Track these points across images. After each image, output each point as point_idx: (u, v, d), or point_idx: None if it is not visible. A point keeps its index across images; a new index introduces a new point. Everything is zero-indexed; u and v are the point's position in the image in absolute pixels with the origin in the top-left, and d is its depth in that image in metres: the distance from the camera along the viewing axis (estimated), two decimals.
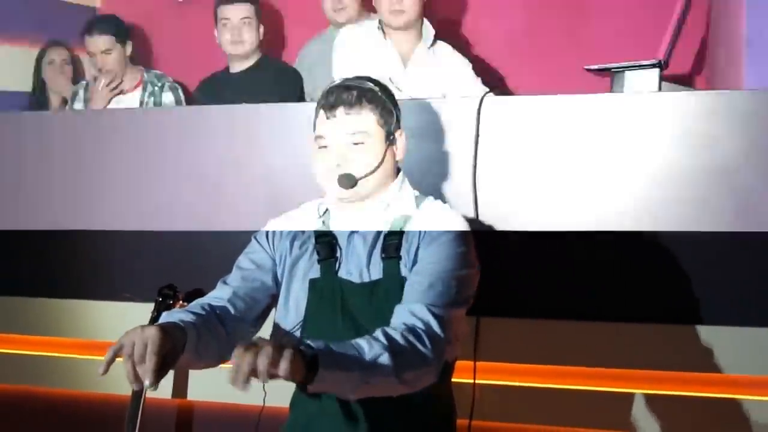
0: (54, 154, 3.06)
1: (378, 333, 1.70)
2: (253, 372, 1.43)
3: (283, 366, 1.43)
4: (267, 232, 2.11)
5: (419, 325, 1.75)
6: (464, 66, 3.25)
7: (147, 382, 1.57)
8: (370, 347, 1.64)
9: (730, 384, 2.42)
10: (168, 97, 3.87)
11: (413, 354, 1.70)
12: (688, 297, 2.43)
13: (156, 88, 3.86)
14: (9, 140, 3.13)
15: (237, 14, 3.69)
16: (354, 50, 3.18)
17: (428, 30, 3.23)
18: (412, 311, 1.79)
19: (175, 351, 1.68)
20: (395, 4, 3.15)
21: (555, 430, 2.57)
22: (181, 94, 3.91)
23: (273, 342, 1.47)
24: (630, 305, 2.48)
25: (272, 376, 1.45)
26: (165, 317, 1.83)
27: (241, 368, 1.43)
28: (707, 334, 2.42)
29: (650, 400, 2.47)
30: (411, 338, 1.71)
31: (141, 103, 3.85)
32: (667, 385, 2.45)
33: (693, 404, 2.43)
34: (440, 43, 3.28)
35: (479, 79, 3.21)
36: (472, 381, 2.43)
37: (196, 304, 1.95)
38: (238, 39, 3.70)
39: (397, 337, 1.69)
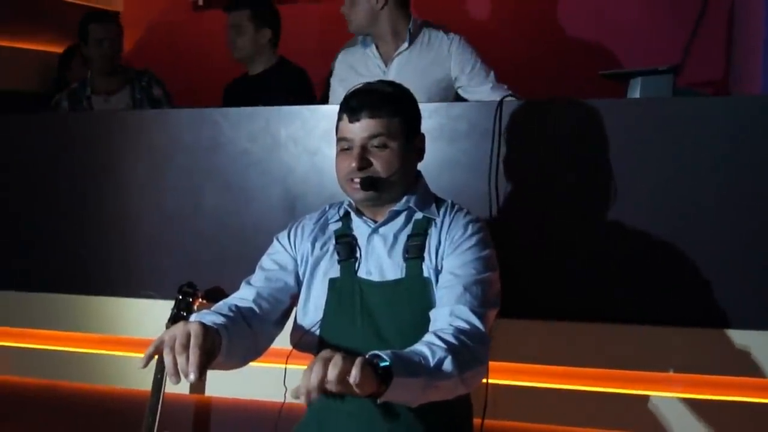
0: (76, 155, 3.10)
1: (431, 337, 1.73)
2: (321, 387, 1.46)
3: (354, 373, 1.45)
4: (288, 234, 2.14)
5: (465, 325, 1.80)
6: (469, 60, 3.21)
7: (191, 376, 1.56)
8: (431, 351, 1.66)
9: (740, 387, 2.43)
10: (157, 91, 3.92)
11: (469, 353, 1.73)
12: (702, 299, 2.44)
13: (144, 84, 3.90)
14: (30, 140, 3.18)
15: (230, 20, 3.73)
16: (348, 67, 3.26)
17: (406, 33, 3.25)
18: (455, 313, 1.83)
19: (213, 349, 1.70)
20: (345, 15, 3.27)
21: (567, 430, 2.58)
22: (165, 86, 3.96)
23: (342, 353, 1.49)
24: (642, 307, 2.49)
25: (342, 388, 1.47)
26: (195, 319, 1.81)
27: (311, 381, 1.45)
28: (721, 336, 2.43)
29: (662, 402, 2.48)
30: (463, 338, 1.74)
31: (133, 100, 3.88)
32: (679, 388, 2.46)
33: (704, 407, 2.45)
34: (441, 37, 3.25)
35: (492, 72, 3.21)
36: (485, 381, 2.45)
37: (224, 305, 1.96)
38: (231, 44, 3.74)
39: (451, 338, 1.72)
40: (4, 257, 3.18)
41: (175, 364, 1.57)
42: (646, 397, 2.49)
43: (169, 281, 2.86)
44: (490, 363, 2.40)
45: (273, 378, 2.51)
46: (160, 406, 2.74)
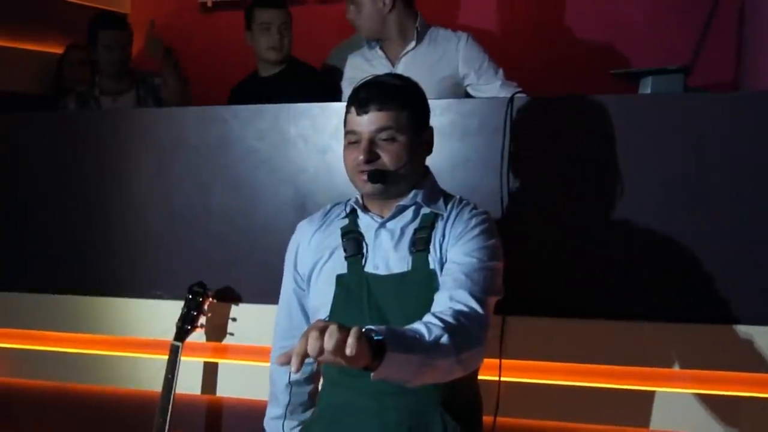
0: (83, 154, 3.10)
1: (429, 317, 1.72)
2: (319, 352, 1.43)
3: (351, 342, 1.42)
4: (294, 259, 2.16)
5: (464, 308, 1.78)
6: (477, 57, 3.21)
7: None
8: (428, 329, 1.65)
9: (747, 383, 2.43)
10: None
11: (467, 334, 1.72)
12: (711, 295, 2.44)
13: (150, 85, 3.90)
14: (37, 140, 3.18)
15: (278, 19, 3.64)
16: (356, 70, 3.28)
17: (414, 32, 3.25)
18: (454, 297, 1.81)
19: None
20: (353, 21, 3.28)
21: (579, 427, 2.58)
22: None
23: (338, 323, 1.46)
24: (651, 304, 2.49)
25: (336, 358, 1.44)
26: None
27: (309, 350, 1.43)
28: (729, 332, 2.42)
29: (673, 398, 2.48)
30: (461, 319, 1.73)
31: (139, 100, 3.87)
32: (690, 384, 2.46)
33: (712, 402, 2.44)
34: (449, 35, 3.26)
35: (500, 70, 3.19)
36: (497, 378, 2.45)
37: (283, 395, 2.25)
38: (278, 45, 3.65)
39: (449, 318, 1.71)
40: (11, 258, 3.18)
41: None
42: (654, 393, 2.49)
43: (178, 281, 2.85)
44: (503, 361, 2.43)
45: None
46: (171, 407, 2.73)
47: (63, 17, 4.58)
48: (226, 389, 2.90)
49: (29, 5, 4.51)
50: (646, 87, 2.87)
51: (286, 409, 2.23)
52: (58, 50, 4.49)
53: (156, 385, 2.78)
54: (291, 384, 2.21)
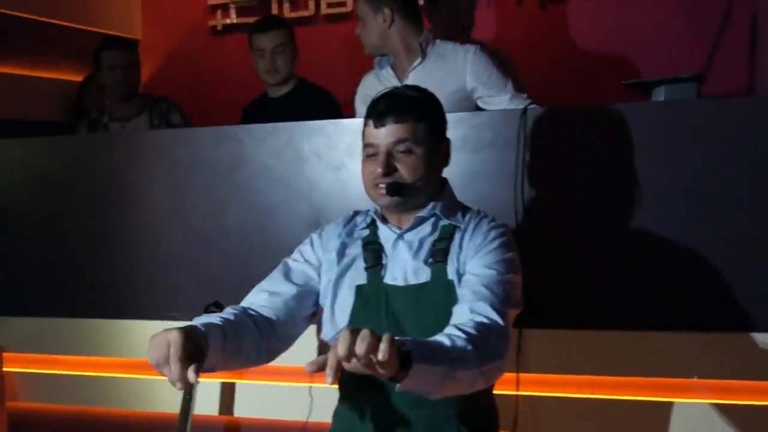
0: (100, 176, 3.11)
1: (451, 329, 1.71)
2: (349, 357, 1.42)
3: (383, 348, 1.41)
4: (311, 244, 2.14)
5: (485, 320, 1.77)
6: (485, 69, 3.14)
7: (178, 385, 1.63)
8: (451, 341, 1.64)
9: (766, 391, 2.41)
10: (176, 117, 3.91)
11: (488, 346, 1.71)
12: (731, 303, 2.42)
13: (162, 110, 3.90)
14: (55, 164, 3.20)
15: (271, 42, 3.65)
16: (369, 89, 3.27)
17: (419, 49, 3.26)
18: (475, 309, 1.80)
19: (198, 352, 1.71)
20: (360, 37, 3.29)
21: None
22: (183, 111, 3.97)
23: (370, 329, 1.45)
24: (668, 313, 2.48)
25: (366, 364, 1.43)
26: (193, 321, 1.86)
27: (338, 352, 1.42)
28: (746, 340, 2.41)
29: (691, 409, 2.46)
30: (483, 331, 1.72)
31: (152, 126, 3.87)
32: (709, 394, 2.45)
33: (730, 412, 2.42)
34: (457, 48, 3.21)
35: (510, 82, 3.12)
36: (515, 393, 2.43)
37: (236, 309, 2.03)
38: (272, 67, 3.66)
39: (472, 330, 1.70)
40: (28, 284, 3.18)
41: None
42: (672, 404, 2.48)
43: (194, 301, 2.83)
44: (521, 375, 2.41)
45: (299, 397, 2.49)
46: (188, 428, 2.72)
47: (79, 45, 4.60)
48: (244, 409, 2.89)
49: (46, 34, 4.55)
50: (660, 96, 2.86)
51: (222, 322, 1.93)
52: (76, 77, 4.52)
53: (173, 407, 2.76)
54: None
